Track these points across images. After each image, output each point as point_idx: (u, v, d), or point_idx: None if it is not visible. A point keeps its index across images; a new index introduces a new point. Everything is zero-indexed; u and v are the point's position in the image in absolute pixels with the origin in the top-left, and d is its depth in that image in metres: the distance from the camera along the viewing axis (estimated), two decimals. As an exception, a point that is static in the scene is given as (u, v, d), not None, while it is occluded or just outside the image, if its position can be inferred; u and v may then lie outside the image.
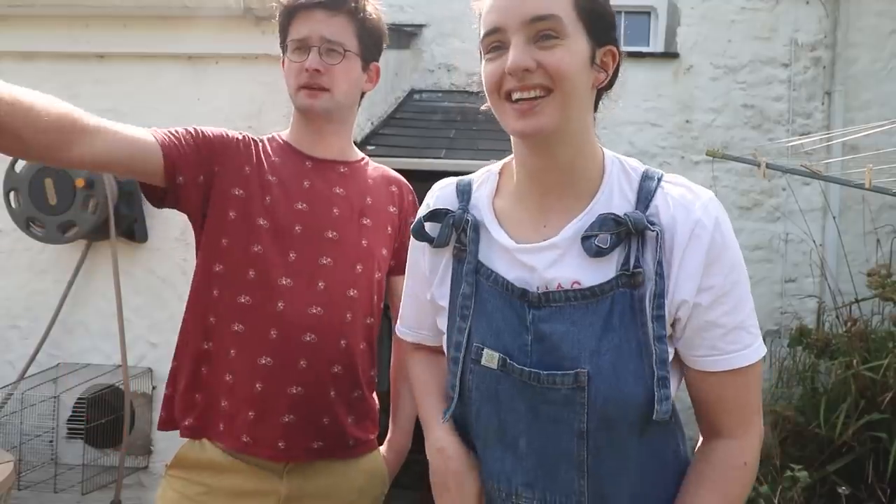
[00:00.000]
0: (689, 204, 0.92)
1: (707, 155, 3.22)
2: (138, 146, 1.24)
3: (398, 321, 1.23)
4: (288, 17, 1.40)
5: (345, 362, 1.41)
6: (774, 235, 4.18)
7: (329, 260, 1.40)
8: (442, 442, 1.06)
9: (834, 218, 4.00)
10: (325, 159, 1.46)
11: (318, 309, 1.37)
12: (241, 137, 1.43)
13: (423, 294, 1.12)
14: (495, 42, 0.92)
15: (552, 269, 0.95)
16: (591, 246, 0.92)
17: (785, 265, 4.18)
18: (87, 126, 1.13)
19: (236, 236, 1.37)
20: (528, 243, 0.98)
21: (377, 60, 1.49)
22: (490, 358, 0.97)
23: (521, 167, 1.01)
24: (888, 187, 2.84)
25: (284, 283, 1.36)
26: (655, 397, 0.90)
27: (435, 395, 1.12)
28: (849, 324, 3.15)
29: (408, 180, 1.59)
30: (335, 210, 1.42)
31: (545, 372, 0.92)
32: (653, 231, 0.90)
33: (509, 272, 0.98)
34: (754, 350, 0.93)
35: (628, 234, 0.91)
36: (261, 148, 1.44)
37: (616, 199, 0.96)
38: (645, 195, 0.94)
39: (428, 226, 1.07)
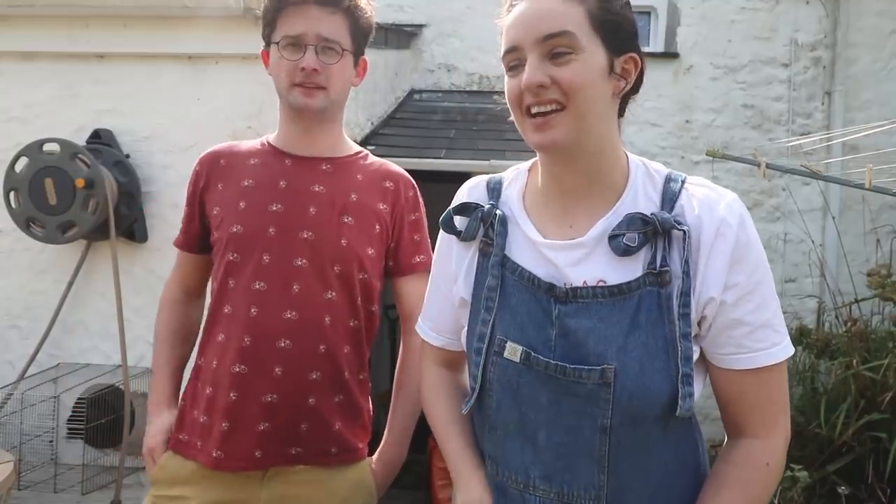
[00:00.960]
0: (714, 204, 0.94)
1: (707, 155, 3.22)
2: (200, 270, 1.51)
3: (420, 316, 1.21)
4: (278, 10, 1.36)
5: (326, 368, 1.37)
6: (774, 235, 4.18)
7: (304, 261, 1.36)
8: (476, 497, 1.05)
9: (834, 218, 4.00)
10: (308, 157, 1.43)
11: (293, 313, 1.34)
12: (200, 163, 1.48)
13: (449, 288, 1.12)
14: (514, 60, 0.96)
15: (576, 267, 0.97)
16: (619, 244, 0.94)
17: (785, 265, 4.18)
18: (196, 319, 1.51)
19: (218, 251, 1.40)
20: (553, 240, 1.00)
21: (364, 54, 1.48)
22: (513, 351, 0.98)
23: (545, 171, 1.03)
24: (888, 187, 2.84)
25: (257, 287, 1.35)
26: (679, 394, 0.91)
27: (462, 439, 1.11)
28: (849, 324, 3.15)
29: None
30: (312, 209, 1.38)
31: (572, 366, 0.94)
32: (680, 230, 0.92)
33: (536, 267, 0.99)
34: (781, 349, 0.95)
35: (655, 233, 0.93)
36: (236, 155, 1.45)
37: (641, 200, 0.98)
38: (670, 196, 0.97)
39: (457, 219, 1.09)
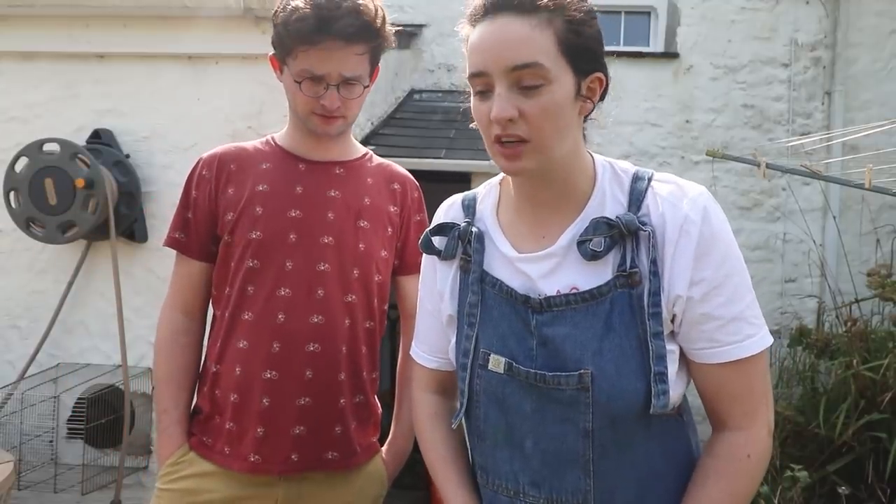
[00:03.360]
0: (677, 201, 0.94)
1: (707, 155, 3.22)
2: (203, 282, 1.45)
3: (413, 341, 1.21)
4: (299, 42, 1.28)
5: (348, 369, 1.40)
6: (774, 235, 4.18)
7: (326, 266, 1.37)
8: None
9: (834, 218, 4.00)
10: (321, 161, 1.43)
11: (319, 317, 1.36)
12: (206, 166, 1.42)
13: (437, 306, 1.13)
14: (481, 85, 0.94)
15: (549, 277, 0.98)
16: (586, 250, 0.94)
17: (785, 265, 4.18)
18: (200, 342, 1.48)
19: (234, 257, 1.38)
20: (527, 253, 1.01)
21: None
22: (496, 362, 0.99)
23: (516, 187, 1.04)
24: (888, 187, 2.84)
25: (283, 293, 1.35)
26: (653, 392, 0.92)
27: (456, 464, 1.12)
28: (849, 324, 3.15)
29: None
30: (330, 214, 1.39)
31: (550, 373, 0.95)
32: (645, 231, 0.92)
33: (513, 280, 1.01)
34: (756, 341, 0.94)
35: (622, 235, 0.93)
36: (245, 159, 1.43)
37: (608, 203, 0.98)
38: (636, 196, 0.97)
39: (436, 240, 1.10)
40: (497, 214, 1.07)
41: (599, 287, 0.94)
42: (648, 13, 4.47)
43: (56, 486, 2.86)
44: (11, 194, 2.88)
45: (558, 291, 0.97)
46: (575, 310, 0.95)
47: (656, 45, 4.40)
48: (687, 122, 4.26)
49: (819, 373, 3.29)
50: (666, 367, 0.93)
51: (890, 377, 2.72)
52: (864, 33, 4.16)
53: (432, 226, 1.11)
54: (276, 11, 1.34)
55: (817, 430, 2.86)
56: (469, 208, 1.11)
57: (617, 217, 0.94)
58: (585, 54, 0.94)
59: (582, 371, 0.93)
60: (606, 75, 0.98)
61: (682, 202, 0.93)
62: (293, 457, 1.36)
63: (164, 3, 2.87)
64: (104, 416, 2.89)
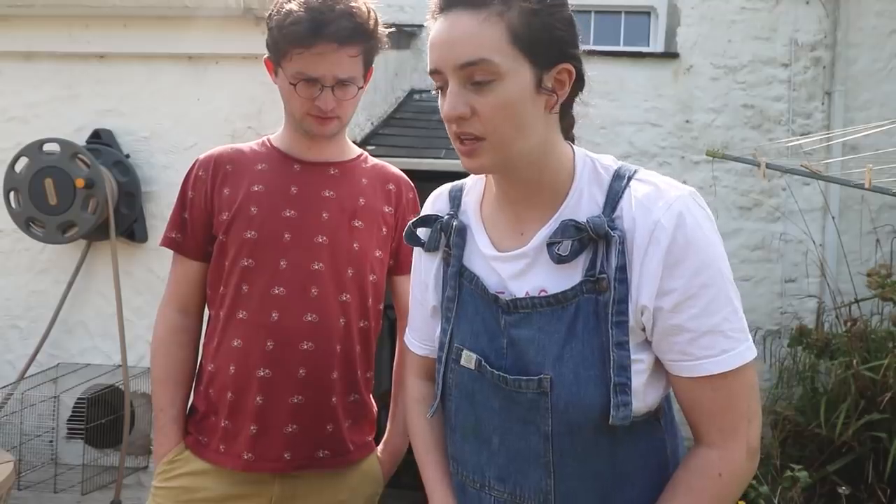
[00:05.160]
0: (651, 204, 0.89)
1: (707, 155, 3.22)
2: (200, 281, 1.46)
3: (407, 328, 1.23)
4: (293, 45, 1.29)
5: (342, 368, 1.41)
6: (774, 235, 4.18)
7: (321, 265, 1.38)
8: None
9: (833, 218, 4.00)
10: (315, 162, 1.44)
11: (313, 316, 1.37)
12: (203, 167, 1.44)
13: (424, 297, 1.14)
14: (439, 81, 0.93)
15: (519, 278, 0.97)
16: (553, 253, 0.92)
17: (785, 265, 4.17)
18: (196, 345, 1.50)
19: (228, 256, 1.39)
20: (507, 250, 0.99)
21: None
22: (468, 359, 1.00)
23: (493, 181, 1.03)
24: (888, 187, 2.84)
25: (277, 292, 1.36)
26: (612, 403, 0.88)
27: (435, 455, 1.13)
28: (849, 324, 3.15)
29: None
30: (325, 214, 1.40)
31: (512, 376, 0.95)
32: (613, 235, 0.88)
33: (488, 277, 1.00)
34: (732, 356, 0.88)
35: (591, 239, 0.90)
36: (241, 159, 1.44)
37: (585, 203, 0.94)
38: (612, 197, 0.93)
39: (421, 231, 1.10)
40: (481, 208, 1.06)
41: (565, 291, 0.91)
42: (648, 13, 4.47)
43: (56, 486, 2.86)
44: (11, 194, 2.88)
45: (527, 293, 0.95)
46: (541, 313, 0.93)
47: (656, 45, 4.40)
48: (687, 122, 4.26)
49: (819, 373, 3.29)
50: (629, 379, 0.89)
51: (890, 377, 2.72)
52: (864, 33, 4.16)
53: (418, 216, 1.11)
54: (270, 14, 1.35)
55: (817, 430, 2.86)
56: (455, 200, 1.09)
57: (587, 220, 0.90)
58: (545, 45, 0.89)
59: (542, 376, 0.91)
60: (577, 65, 0.93)
61: (655, 206, 0.88)
62: (286, 455, 1.37)
63: (164, 3, 2.86)
64: (104, 416, 2.89)
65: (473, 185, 1.10)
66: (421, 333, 1.18)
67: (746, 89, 4.24)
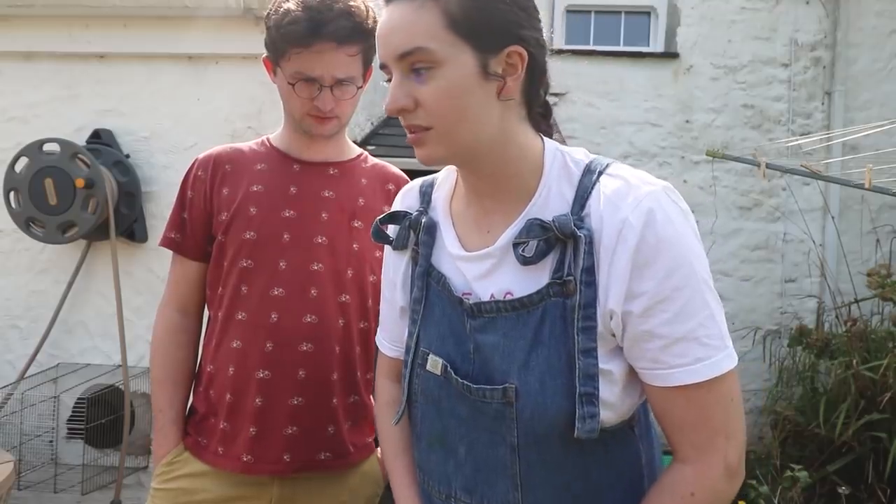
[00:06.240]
0: (619, 201, 0.83)
1: (707, 155, 3.22)
2: (199, 281, 1.46)
3: (378, 328, 1.18)
4: (291, 45, 1.29)
5: (342, 369, 1.40)
6: (774, 235, 4.18)
7: (320, 266, 1.37)
8: None
9: (833, 218, 4.00)
10: (315, 162, 1.43)
11: (313, 317, 1.36)
12: (202, 167, 1.43)
13: (393, 297, 1.09)
14: (387, 75, 0.89)
15: (485, 280, 0.91)
16: (519, 254, 0.86)
17: (785, 265, 4.18)
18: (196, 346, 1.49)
19: (227, 257, 1.38)
20: (473, 249, 0.94)
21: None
22: (434, 364, 0.94)
23: (460, 175, 0.98)
24: (888, 187, 2.84)
25: (276, 293, 1.36)
26: (577, 414, 0.83)
27: (403, 459, 1.09)
28: (849, 324, 3.15)
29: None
30: (324, 214, 1.39)
31: (476, 385, 0.89)
32: (580, 235, 0.83)
33: (454, 277, 0.95)
34: (707, 366, 0.81)
35: (559, 239, 0.85)
36: (240, 159, 1.43)
37: (553, 200, 0.89)
38: (581, 193, 0.87)
39: (390, 228, 1.05)
40: (450, 204, 1.00)
41: (531, 295, 0.86)
42: (648, 13, 4.47)
43: (56, 486, 2.85)
44: (11, 194, 2.88)
45: (492, 296, 0.90)
46: (506, 318, 0.87)
47: (656, 45, 4.40)
48: (687, 122, 4.26)
49: (819, 373, 3.29)
50: (596, 388, 0.83)
51: (890, 377, 2.72)
52: (864, 33, 4.16)
53: (386, 213, 1.05)
54: (268, 14, 1.34)
55: (817, 430, 2.86)
56: (426, 196, 1.04)
57: (553, 219, 0.85)
58: (487, 28, 0.84)
59: (507, 385, 0.86)
60: (530, 48, 0.86)
61: (624, 203, 0.82)
62: (285, 457, 1.36)
63: (164, 3, 2.86)
64: (104, 416, 2.89)
65: (445, 179, 1.04)
66: (391, 334, 1.12)
67: (746, 89, 4.24)
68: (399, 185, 1.51)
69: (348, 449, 1.43)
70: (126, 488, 2.92)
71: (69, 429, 2.96)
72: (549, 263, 0.86)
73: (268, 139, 1.48)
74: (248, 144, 1.48)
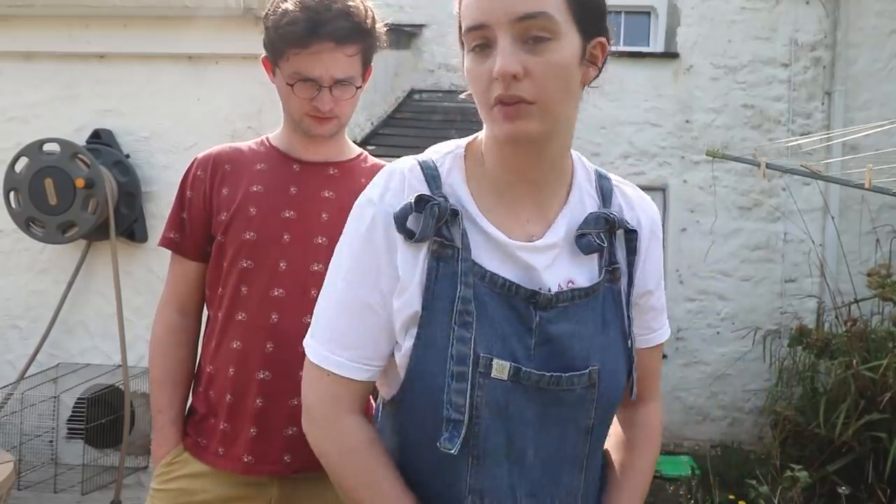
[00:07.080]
0: (646, 205, 1.02)
1: (707, 155, 3.22)
2: (199, 281, 1.45)
3: (324, 346, 0.93)
4: (290, 45, 1.28)
5: None
6: (774, 235, 4.18)
7: (320, 266, 1.36)
8: None
9: (833, 218, 4.00)
10: (315, 162, 1.43)
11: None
12: (201, 167, 1.42)
13: (384, 301, 0.90)
14: (479, 39, 0.83)
15: (552, 269, 0.91)
16: (588, 243, 0.92)
17: (785, 265, 4.18)
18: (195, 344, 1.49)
19: (227, 257, 1.38)
20: (518, 240, 0.90)
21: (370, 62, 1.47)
22: (500, 369, 0.86)
23: (505, 162, 0.91)
24: (888, 187, 2.84)
25: (276, 293, 1.35)
26: (634, 380, 0.98)
27: (397, 477, 0.93)
28: (848, 324, 3.15)
29: None
30: (324, 215, 1.39)
31: (566, 374, 0.88)
32: (631, 229, 0.96)
33: (506, 271, 0.89)
34: (668, 327, 1.08)
35: (611, 231, 0.96)
36: (240, 159, 1.43)
37: (585, 196, 0.97)
38: (606, 194, 0.99)
39: (410, 219, 0.89)
40: (471, 191, 0.92)
41: (597, 283, 0.93)
42: (648, 13, 4.47)
43: (56, 486, 2.85)
44: (11, 194, 2.87)
45: (560, 286, 0.90)
46: (577, 305, 0.91)
47: (656, 45, 4.40)
48: (687, 122, 4.26)
49: (819, 373, 3.29)
50: (635, 356, 1.00)
51: (890, 377, 2.72)
52: (864, 33, 4.17)
53: (406, 203, 0.89)
54: (267, 14, 1.34)
55: (817, 430, 2.86)
56: (434, 179, 0.92)
57: (612, 214, 0.95)
58: (593, 12, 0.85)
59: (591, 368, 0.90)
60: (609, 41, 0.89)
61: (649, 205, 1.02)
62: (286, 457, 1.36)
63: (164, 3, 2.86)
64: (104, 416, 2.89)
65: (453, 164, 0.95)
66: (365, 351, 0.91)
67: (746, 89, 4.24)
68: None
69: None
70: (126, 488, 2.92)
71: (69, 429, 2.96)
72: (596, 253, 0.96)
73: (267, 139, 1.48)
74: (247, 144, 1.48)
